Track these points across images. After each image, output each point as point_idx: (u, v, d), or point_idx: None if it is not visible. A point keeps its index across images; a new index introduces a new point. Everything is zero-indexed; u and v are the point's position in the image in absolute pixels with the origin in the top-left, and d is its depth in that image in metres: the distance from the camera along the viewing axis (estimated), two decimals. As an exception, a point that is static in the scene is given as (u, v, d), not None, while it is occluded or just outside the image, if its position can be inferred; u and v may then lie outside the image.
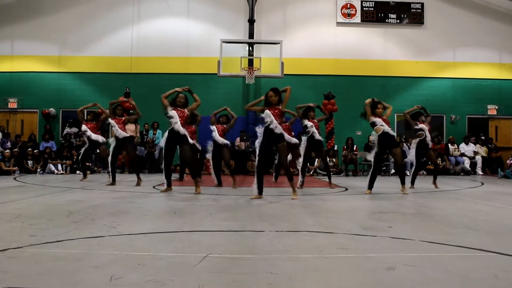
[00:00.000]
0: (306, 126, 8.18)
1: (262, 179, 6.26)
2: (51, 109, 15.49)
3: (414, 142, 8.43)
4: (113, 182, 8.46)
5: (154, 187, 8.26)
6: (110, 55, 15.70)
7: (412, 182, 8.41)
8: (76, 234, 3.43)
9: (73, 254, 2.78)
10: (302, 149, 8.30)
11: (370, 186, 7.26)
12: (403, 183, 7.17)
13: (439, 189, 8.15)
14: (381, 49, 16.06)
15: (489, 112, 16.16)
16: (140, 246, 3.09)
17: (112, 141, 8.64)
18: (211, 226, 3.95)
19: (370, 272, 2.46)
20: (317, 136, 8.12)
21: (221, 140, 8.23)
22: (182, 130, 6.89)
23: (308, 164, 8.98)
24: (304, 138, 8.28)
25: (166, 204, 5.70)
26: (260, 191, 6.24)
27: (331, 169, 13.34)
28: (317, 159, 13.14)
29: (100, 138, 9.35)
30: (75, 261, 2.59)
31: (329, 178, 8.64)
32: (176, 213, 4.81)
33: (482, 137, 15.43)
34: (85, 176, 9.97)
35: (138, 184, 8.44)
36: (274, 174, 10.19)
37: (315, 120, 8.28)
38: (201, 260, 2.63)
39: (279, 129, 6.17)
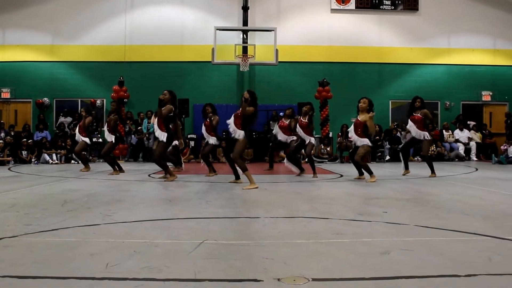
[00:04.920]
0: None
1: (232, 165, 6.74)
2: (45, 98, 15.38)
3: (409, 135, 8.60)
4: (120, 170, 8.81)
5: (149, 175, 8.26)
6: (103, 43, 15.54)
7: (406, 167, 8.41)
8: (72, 222, 3.43)
9: (69, 242, 2.78)
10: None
11: (369, 172, 7.29)
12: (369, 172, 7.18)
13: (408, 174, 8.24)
14: (376, 36, 15.99)
15: (483, 98, 16.19)
16: (136, 233, 3.10)
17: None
18: (207, 213, 3.96)
19: (365, 256, 2.48)
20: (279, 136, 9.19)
21: (206, 136, 8.43)
22: (155, 128, 7.23)
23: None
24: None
25: (162, 192, 5.71)
26: (236, 177, 6.80)
27: (325, 156, 13.55)
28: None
29: (81, 138, 9.42)
30: (70, 249, 2.59)
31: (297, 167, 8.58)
32: (172, 201, 4.81)
33: (469, 123, 15.44)
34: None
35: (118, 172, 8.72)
36: (268, 161, 10.31)
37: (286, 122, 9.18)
38: (197, 247, 2.64)
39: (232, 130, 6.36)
